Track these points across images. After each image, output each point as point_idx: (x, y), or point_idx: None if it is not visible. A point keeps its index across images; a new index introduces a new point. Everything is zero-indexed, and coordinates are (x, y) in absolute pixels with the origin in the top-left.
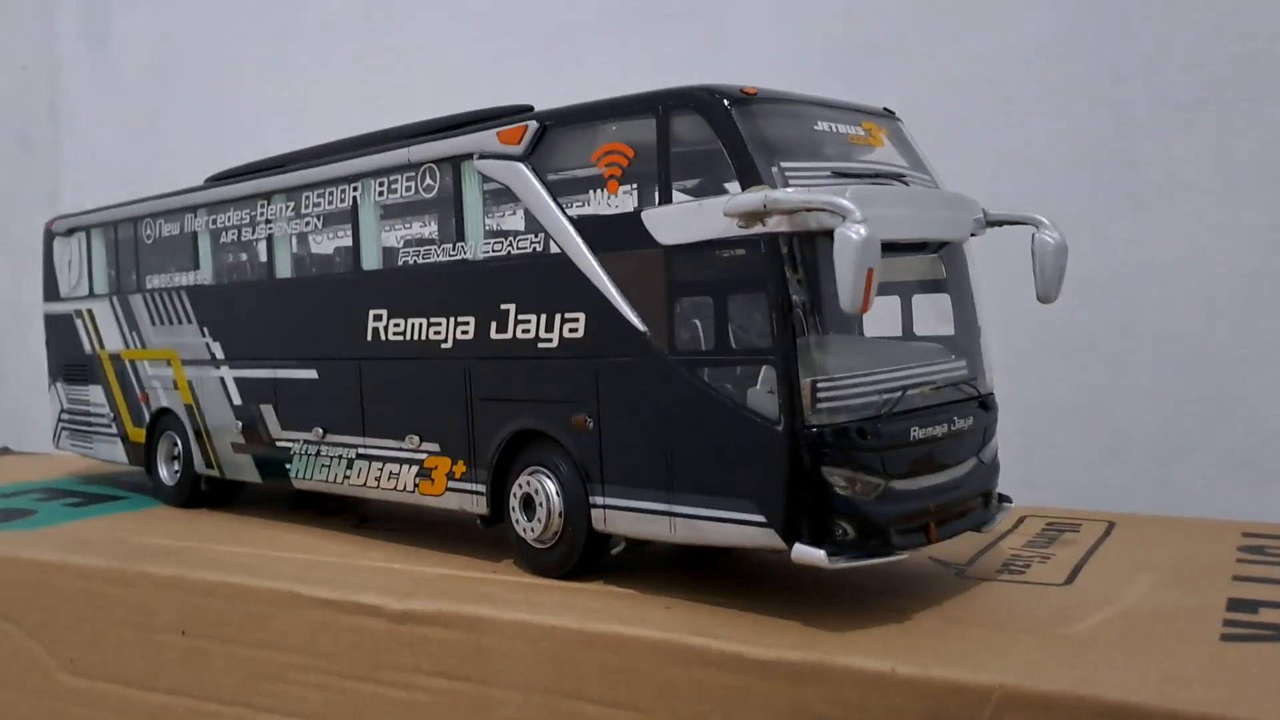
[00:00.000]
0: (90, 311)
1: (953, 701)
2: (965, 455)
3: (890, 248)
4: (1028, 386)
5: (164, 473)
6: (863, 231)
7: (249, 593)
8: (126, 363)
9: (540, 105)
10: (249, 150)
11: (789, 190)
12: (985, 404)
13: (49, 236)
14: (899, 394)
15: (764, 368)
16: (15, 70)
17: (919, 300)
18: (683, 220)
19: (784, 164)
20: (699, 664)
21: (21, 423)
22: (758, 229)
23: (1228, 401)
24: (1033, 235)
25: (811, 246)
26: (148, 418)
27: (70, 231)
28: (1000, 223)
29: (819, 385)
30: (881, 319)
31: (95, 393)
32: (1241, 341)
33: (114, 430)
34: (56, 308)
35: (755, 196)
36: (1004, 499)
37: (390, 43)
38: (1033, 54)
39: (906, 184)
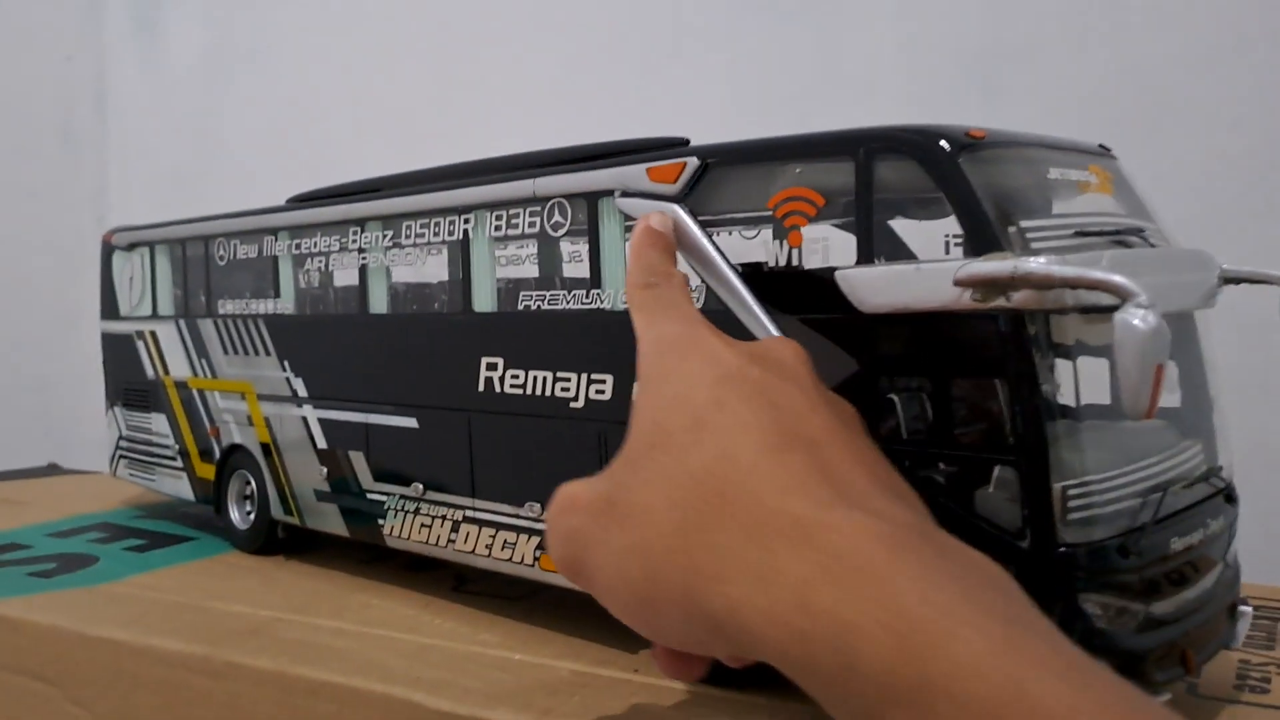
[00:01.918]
0: (154, 334)
1: None
2: (1216, 561)
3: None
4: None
5: (235, 514)
6: (1151, 320)
7: (359, 697)
8: (194, 392)
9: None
10: (308, 150)
11: (1042, 260)
12: (1231, 497)
13: (107, 250)
14: (1160, 495)
15: (1003, 469)
16: (59, 61)
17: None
18: (893, 284)
19: (1024, 223)
20: None
21: (69, 436)
22: (999, 302)
23: None
24: None
25: (1061, 327)
26: (218, 453)
27: (132, 246)
28: (1239, 280)
29: (1071, 492)
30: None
31: (159, 421)
32: None
33: (179, 464)
34: (116, 327)
35: (1002, 266)
36: (1242, 603)
37: (467, 35)
38: (1196, 59)
39: (1151, 244)
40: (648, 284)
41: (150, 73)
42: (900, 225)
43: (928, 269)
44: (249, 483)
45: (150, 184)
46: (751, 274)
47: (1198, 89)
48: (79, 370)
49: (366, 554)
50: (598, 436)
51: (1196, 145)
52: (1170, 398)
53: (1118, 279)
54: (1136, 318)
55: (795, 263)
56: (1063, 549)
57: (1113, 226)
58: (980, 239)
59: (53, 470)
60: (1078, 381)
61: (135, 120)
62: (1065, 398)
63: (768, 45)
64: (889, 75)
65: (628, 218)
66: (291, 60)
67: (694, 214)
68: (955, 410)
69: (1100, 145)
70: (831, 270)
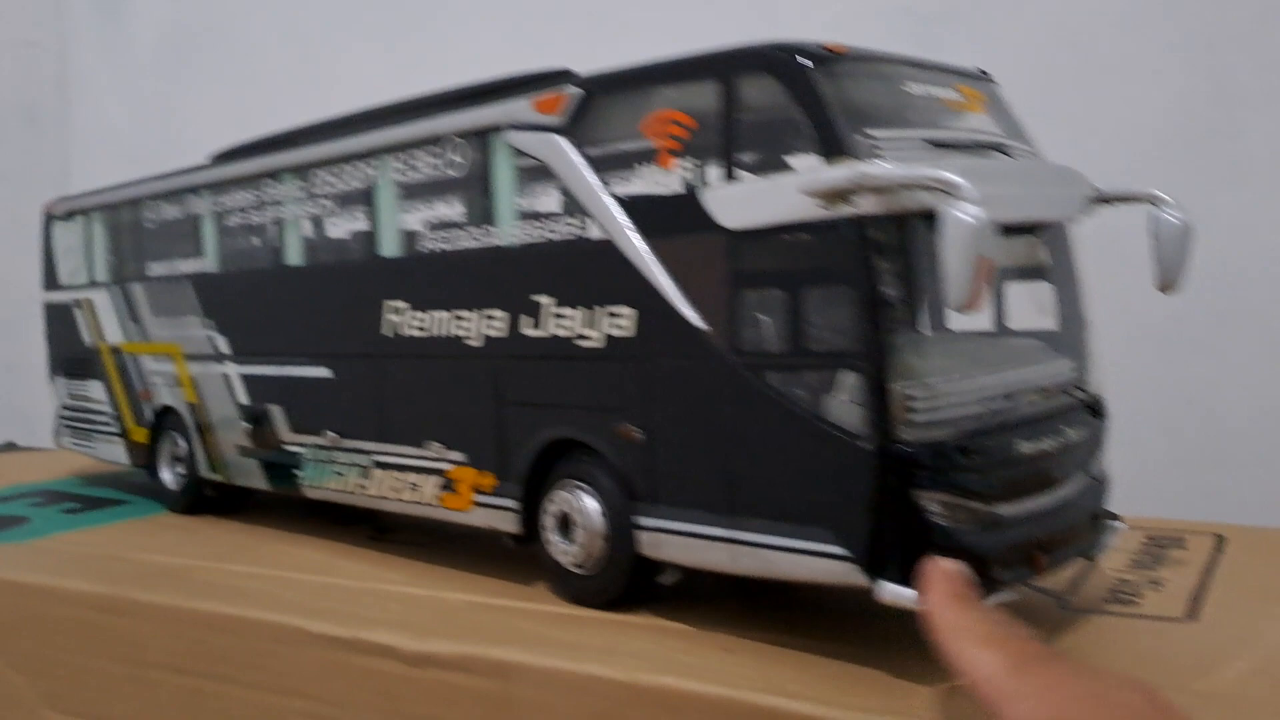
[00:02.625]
0: (90, 301)
1: None
2: (1075, 470)
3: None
4: (1117, 381)
5: (167, 476)
6: (977, 214)
7: (249, 627)
8: (128, 357)
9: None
10: (270, 127)
11: (879, 164)
12: (1096, 410)
13: (47, 220)
14: (1005, 402)
15: (847, 374)
16: (22, 45)
17: (1015, 290)
18: (751, 200)
19: (871, 131)
20: None
21: (30, 416)
22: (843, 210)
23: None
24: (1151, 214)
25: (908, 231)
26: (150, 416)
27: (70, 215)
28: (1112, 200)
29: (913, 394)
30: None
31: (95, 388)
32: None
33: (115, 429)
34: (56, 297)
35: (842, 171)
36: (1113, 517)
37: (419, 6)
38: (1122, 15)
39: (1009, 156)
40: (996, 620)
41: (112, 54)
42: (764, 141)
43: (781, 182)
44: (179, 445)
45: (114, 165)
46: (631, 202)
47: (1124, 44)
48: (42, 353)
49: (297, 514)
50: (493, 374)
51: (1123, 97)
52: (1045, 319)
53: (946, 175)
54: (962, 211)
55: (669, 187)
56: (902, 448)
57: (971, 140)
58: (830, 149)
59: (9, 448)
60: (922, 288)
61: (98, 102)
62: (913, 306)
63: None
64: (819, 34)
65: (518, 153)
66: (252, 39)
67: (580, 145)
68: (809, 320)
69: (979, 70)
70: (699, 191)
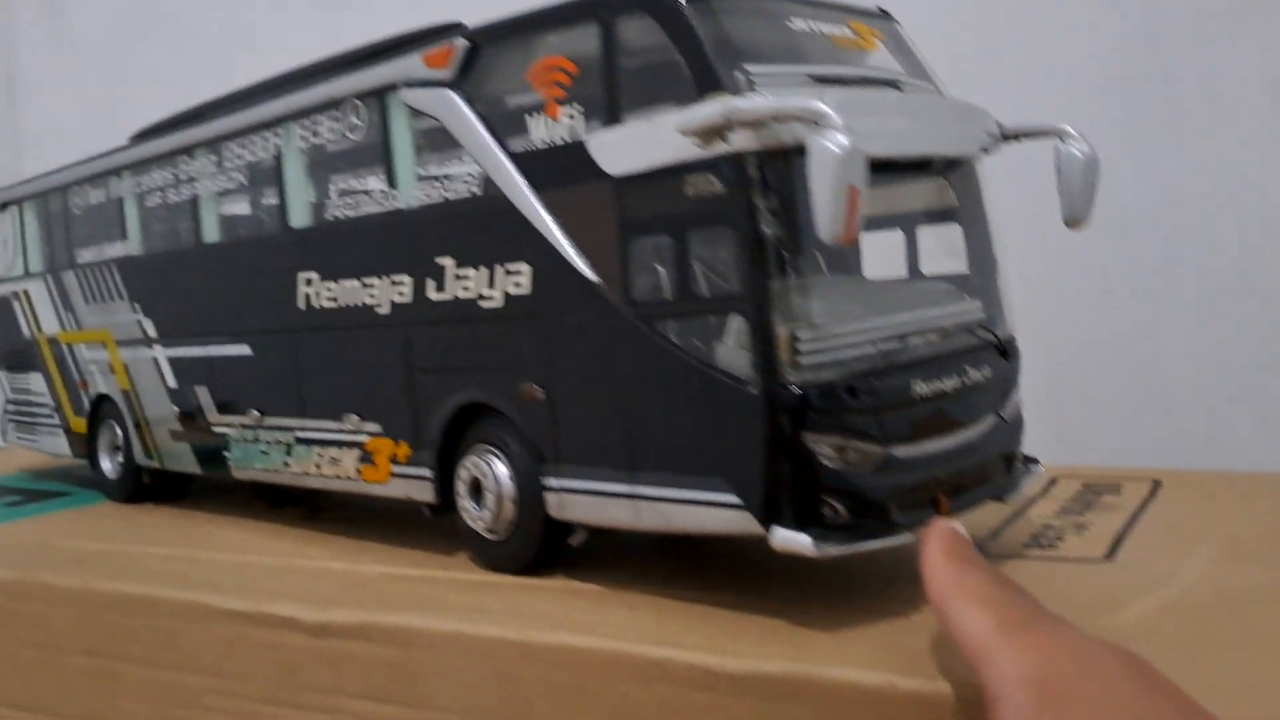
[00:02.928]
0: (27, 292)
1: None
2: (982, 412)
3: (886, 169)
4: (1058, 332)
5: (107, 465)
6: (843, 142)
7: (155, 605)
8: (64, 346)
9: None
10: None
11: (753, 97)
12: (1005, 351)
13: None
14: (898, 344)
15: (733, 318)
16: None
17: (926, 234)
18: (632, 144)
19: (750, 67)
20: (662, 680)
21: None
22: (719, 148)
23: None
24: (1057, 148)
25: (786, 167)
26: (87, 406)
27: (3, 206)
28: (1019, 136)
29: (799, 336)
30: (882, 258)
31: (36, 380)
32: None
33: (56, 421)
34: None
35: (713, 107)
36: (1031, 461)
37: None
38: None
39: (901, 90)
40: (994, 580)
41: (58, 51)
42: (645, 83)
43: (659, 123)
44: (118, 433)
45: (65, 160)
46: (522, 155)
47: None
48: None
49: (238, 499)
50: (402, 341)
51: (1055, 44)
52: (956, 263)
53: (812, 104)
54: (830, 141)
55: (556, 136)
56: (788, 391)
57: (860, 76)
58: (704, 86)
59: None
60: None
61: (46, 98)
62: (799, 245)
63: None
64: None
65: (415, 112)
66: (194, 30)
67: (471, 99)
68: (695, 266)
69: (879, 8)
70: (583, 138)
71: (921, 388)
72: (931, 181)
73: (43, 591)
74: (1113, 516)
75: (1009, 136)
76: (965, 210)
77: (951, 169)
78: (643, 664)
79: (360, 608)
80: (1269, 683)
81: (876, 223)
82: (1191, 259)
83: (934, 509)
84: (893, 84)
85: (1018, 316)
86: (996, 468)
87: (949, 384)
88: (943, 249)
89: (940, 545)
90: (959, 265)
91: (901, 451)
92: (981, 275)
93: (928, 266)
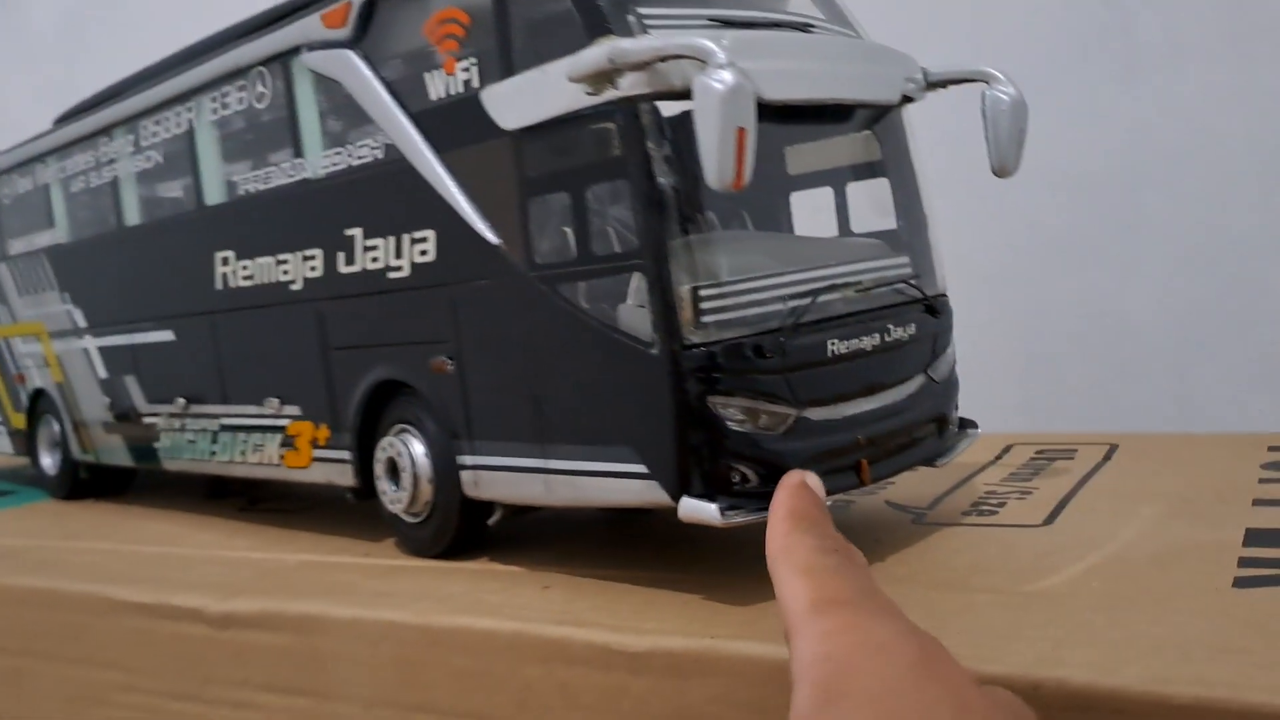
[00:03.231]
0: None
1: None
2: (908, 373)
3: (802, 118)
4: (1023, 296)
5: (47, 461)
6: (728, 79)
7: (60, 599)
8: (1, 341)
9: None
10: None
11: (640, 39)
12: (933, 308)
13: None
14: (810, 300)
15: (634, 276)
16: None
17: (855, 190)
18: (525, 95)
19: (644, 10)
20: (562, 661)
21: None
22: (610, 94)
23: (1253, 298)
24: (984, 94)
25: (684, 113)
26: (25, 401)
27: None
28: (945, 83)
29: (702, 293)
30: (815, 217)
31: None
32: (1266, 226)
33: None
34: None
35: (599, 50)
36: (968, 424)
37: None
38: None
39: (811, 33)
40: (824, 548)
41: (12, 41)
42: (537, 31)
43: (550, 71)
44: (55, 427)
45: None
46: (420, 114)
47: None
48: None
49: (181, 491)
50: (316, 318)
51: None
52: (886, 219)
53: (697, 43)
54: (714, 79)
55: (452, 92)
56: (691, 351)
57: (766, 19)
58: (594, 31)
59: None
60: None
61: (2, 88)
62: (701, 197)
63: None
64: None
65: (319, 76)
66: (149, 15)
67: (369, 57)
68: (595, 222)
69: None
70: (478, 92)
71: (838, 346)
72: (857, 135)
73: None
74: (1061, 481)
75: (935, 84)
76: (892, 163)
77: (875, 120)
78: (542, 645)
79: (264, 596)
80: (1186, 639)
81: (806, 180)
82: (1155, 215)
83: (855, 475)
84: (802, 27)
85: (978, 280)
86: (927, 431)
87: (868, 342)
88: (870, 204)
89: (784, 502)
90: (889, 221)
91: (817, 414)
92: (910, 230)
93: (861, 224)
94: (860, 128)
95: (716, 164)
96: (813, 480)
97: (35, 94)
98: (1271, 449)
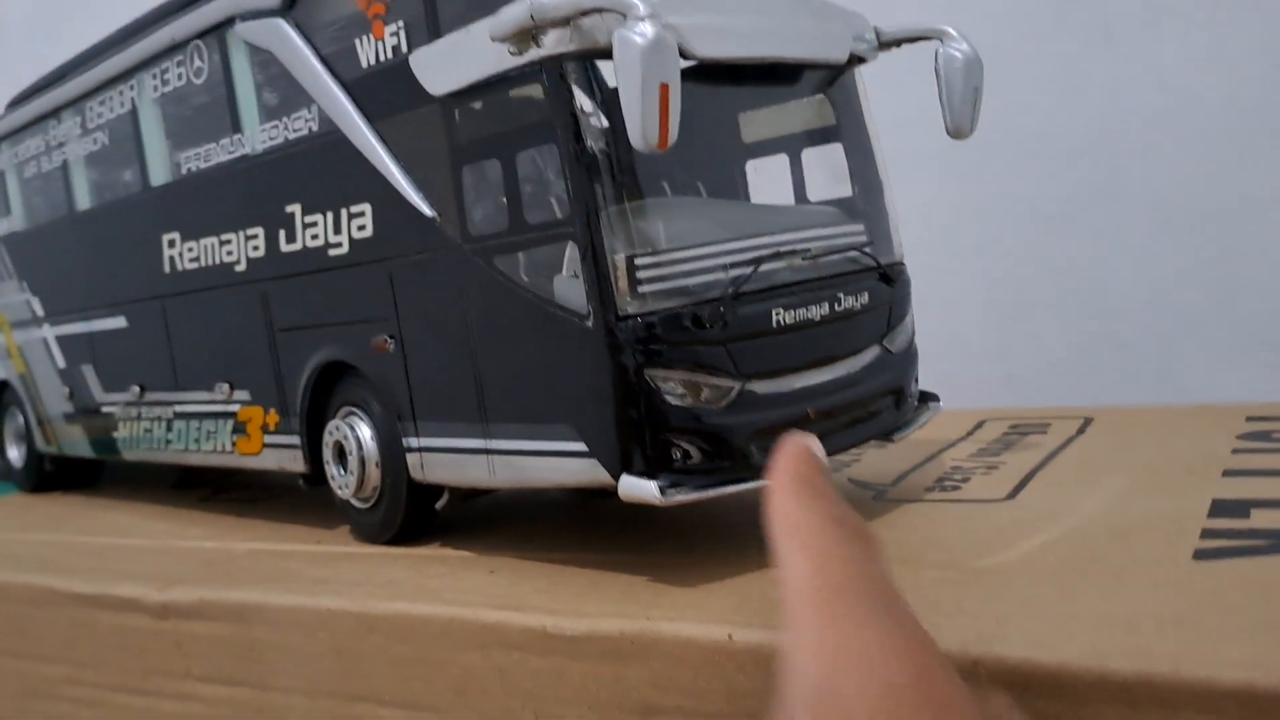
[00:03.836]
0: None
1: None
2: (861, 343)
3: (739, 76)
4: (1000, 268)
5: (13, 454)
6: (648, 31)
7: (5, 591)
8: None
9: None
10: None
11: None
12: (888, 277)
13: None
14: (752, 268)
15: (568, 246)
16: None
17: (810, 156)
18: (451, 58)
19: None
20: (499, 646)
21: None
22: (534, 53)
23: (1233, 266)
24: (937, 52)
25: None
26: None
27: None
28: (899, 41)
29: (638, 262)
30: (771, 185)
31: None
32: (1246, 191)
33: None
34: None
35: (520, 6)
36: (929, 397)
37: None
38: None
39: None
40: (833, 520)
41: None
42: None
43: (474, 30)
44: (19, 419)
45: None
46: (353, 82)
47: None
48: None
49: (150, 483)
50: (260, 299)
51: None
52: (841, 186)
53: None
54: (635, 32)
55: (381, 58)
56: (626, 322)
57: None
58: None
59: None
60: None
61: None
62: (636, 162)
63: None
64: None
65: (254, 48)
66: (119, 6)
67: (301, 26)
68: (527, 190)
69: None
70: (406, 57)
71: (783, 316)
72: (809, 98)
73: None
74: (1029, 456)
75: (887, 43)
76: (845, 127)
77: (827, 83)
78: (479, 630)
79: (204, 585)
80: (1135, 613)
81: (762, 147)
82: (1134, 183)
83: None
84: None
85: (956, 252)
86: (883, 404)
87: (816, 312)
88: (824, 171)
89: (787, 467)
90: (845, 189)
91: (761, 387)
92: (865, 197)
93: (817, 192)
94: (811, 91)
95: (640, 123)
96: (815, 445)
97: (10, 88)
98: (1249, 419)
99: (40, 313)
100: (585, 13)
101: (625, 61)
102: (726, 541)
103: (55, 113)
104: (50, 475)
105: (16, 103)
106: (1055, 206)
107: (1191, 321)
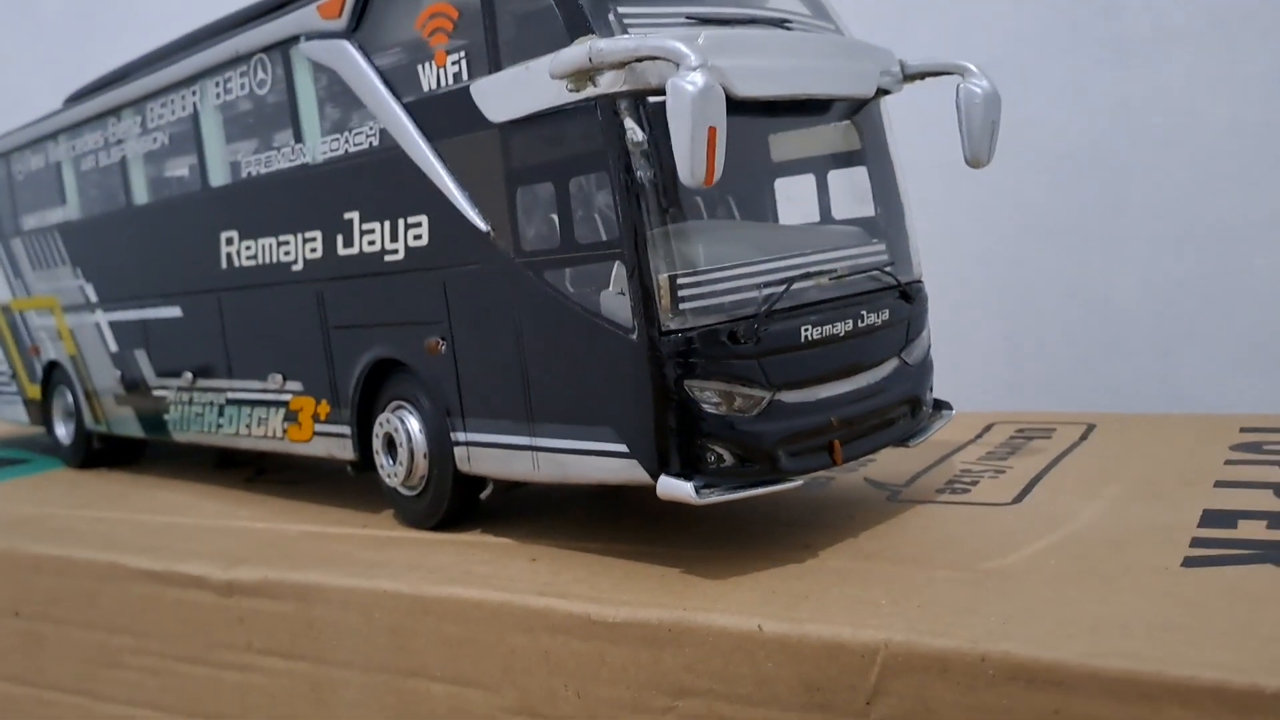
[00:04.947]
0: None
1: (830, 666)
2: (882, 356)
3: (772, 110)
4: (1010, 277)
5: (61, 431)
6: (699, 81)
7: (73, 567)
8: (16, 314)
9: None
10: None
11: (618, 38)
12: (907, 294)
13: None
14: (784, 288)
15: (615, 265)
16: None
17: (836, 178)
18: (511, 90)
19: (623, 9)
20: (545, 630)
21: None
22: (590, 90)
23: (1236, 280)
24: (958, 87)
25: (656, 109)
26: (40, 372)
27: None
28: (923, 75)
29: (679, 281)
30: (797, 203)
31: None
32: (1248, 209)
33: (12, 389)
34: None
35: (578, 49)
36: (942, 405)
37: None
38: None
39: (789, 30)
40: None
41: (20, 23)
42: (523, 27)
43: (534, 67)
44: (68, 398)
45: None
46: (414, 104)
47: None
48: None
49: (190, 463)
50: (317, 298)
51: None
52: (864, 207)
53: (669, 44)
54: (686, 80)
55: (442, 83)
56: (668, 337)
57: (743, 16)
58: (575, 29)
59: None
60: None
61: (13, 74)
62: (678, 189)
63: None
64: None
65: (317, 65)
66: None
67: (365, 48)
68: (578, 213)
69: None
70: (467, 85)
71: (811, 332)
72: (839, 126)
73: None
74: (1035, 461)
75: (912, 76)
76: (870, 152)
77: (853, 112)
78: (524, 614)
79: (266, 565)
80: (1127, 617)
81: (789, 168)
82: (1140, 198)
83: (828, 455)
84: (780, 23)
85: (965, 261)
86: (900, 412)
87: (841, 328)
88: (850, 192)
89: None
90: (868, 209)
91: (790, 397)
92: (887, 218)
93: (841, 210)
94: (838, 119)
95: (689, 162)
96: None
97: (45, 75)
98: (1243, 430)
99: (94, 298)
100: (641, 58)
101: (678, 107)
102: (751, 539)
103: (115, 111)
104: (97, 453)
105: (75, 99)
106: (1064, 219)
107: (1193, 332)
